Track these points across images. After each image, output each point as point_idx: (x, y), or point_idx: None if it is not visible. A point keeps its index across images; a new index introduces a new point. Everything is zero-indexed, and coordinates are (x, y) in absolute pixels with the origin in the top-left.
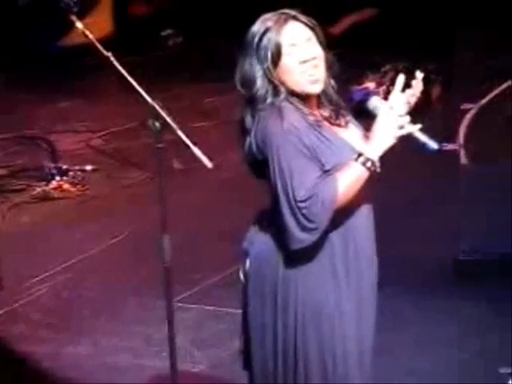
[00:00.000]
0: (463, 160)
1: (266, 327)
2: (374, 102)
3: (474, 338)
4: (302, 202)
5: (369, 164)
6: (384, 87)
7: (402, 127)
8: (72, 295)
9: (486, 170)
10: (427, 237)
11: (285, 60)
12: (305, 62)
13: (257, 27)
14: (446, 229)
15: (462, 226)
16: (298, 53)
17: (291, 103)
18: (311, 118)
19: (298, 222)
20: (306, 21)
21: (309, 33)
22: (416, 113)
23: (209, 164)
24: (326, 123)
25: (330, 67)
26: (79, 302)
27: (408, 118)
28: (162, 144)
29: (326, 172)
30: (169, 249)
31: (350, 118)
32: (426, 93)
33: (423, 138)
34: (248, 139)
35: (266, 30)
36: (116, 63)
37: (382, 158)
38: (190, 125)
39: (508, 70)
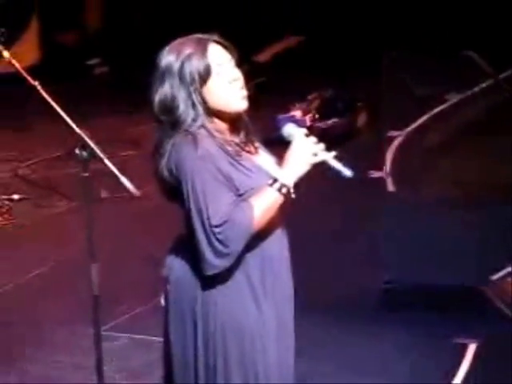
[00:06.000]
0: (390, 188)
1: (187, 352)
2: (289, 129)
3: (396, 366)
4: (216, 227)
5: (284, 190)
6: (310, 115)
7: (315, 154)
8: (0, 324)
9: (410, 198)
10: (352, 264)
11: (213, 80)
12: (235, 80)
13: (174, 53)
14: (370, 256)
15: (385, 255)
16: (227, 72)
17: (207, 130)
18: (227, 146)
19: (213, 248)
20: (223, 43)
21: (228, 55)
22: (342, 140)
23: (136, 192)
24: (239, 150)
25: None
26: (7, 331)
27: (322, 145)
28: (88, 173)
29: (240, 196)
30: (97, 277)
31: (259, 144)
32: (352, 120)
33: (337, 165)
34: (161, 164)
35: (190, 54)
36: (43, 92)
37: (307, 186)
38: (116, 154)
39: (434, 98)
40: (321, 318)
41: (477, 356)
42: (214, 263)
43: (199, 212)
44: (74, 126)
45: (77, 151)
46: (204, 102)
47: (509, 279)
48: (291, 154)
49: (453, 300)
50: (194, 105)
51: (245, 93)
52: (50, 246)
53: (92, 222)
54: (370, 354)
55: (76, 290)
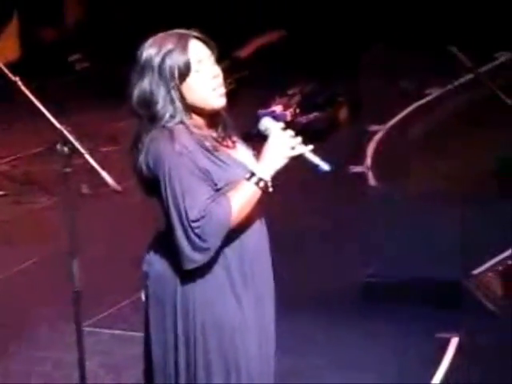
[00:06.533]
0: (371, 182)
1: (168, 346)
2: (266, 123)
3: (382, 359)
4: (194, 221)
5: (261, 184)
6: (291, 110)
7: (293, 148)
8: None
9: (391, 193)
10: (334, 259)
11: (193, 77)
12: (214, 77)
13: (155, 47)
14: (352, 250)
15: (368, 249)
16: (207, 69)
17: (184, 126)
18: (205, 141)
19: (191, 242)
20: (204, 39)
21: (208, 51)
22: (323, 134)
23: (117, 187)
24: (217, 145)
25: None
26: None
27: (299, 139)
28: (70, 169)
29: (218, 190)
30: (78, 273)
31: (236, 138)
32: (333, 114)
33: (315, 159)
34: (139, 158)
35: (170, 50)
36: (23, 88)
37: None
38: (97, 149)
39: (415, 92)
40: (308, 315)
41: (459, 350)
42: (193, 258)
43: (177, 207)
44: (54, 121)
45: (58, 147)
46: (183, 99)
47: (490, 273)
48: (268, 147)
49: (435, 294)
50: (172, 101)
51: (223, 90)
52: (31, 241)
53: (73, 218)
54: (358, 348)
55: (58, 285)
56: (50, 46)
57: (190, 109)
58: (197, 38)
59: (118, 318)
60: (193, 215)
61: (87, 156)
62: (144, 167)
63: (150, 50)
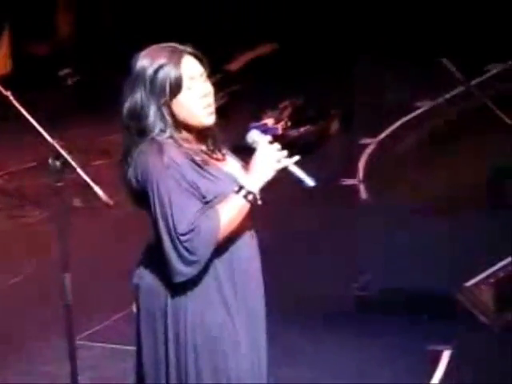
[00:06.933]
0: (362, 195)
1: (159, 359)
2: (253, 136)
3: (374, 371)
4: (183, 235)
5: (250, 197)
6: (282, 123)
7: (279, 161)
8: None
9: (383, 205)
10: (325, 271)
11: (184, 94)
12: (205, 96)
13: (147, 61)
14: (344, 263)
15: (358, 261)
16: (198, 87)
17: (174, 140)
18: (194, 155)
19: (180, 256)
20: (197, 55)
21: (201, 68)
22: (315, 147)
23: (109, 201)
24: (206, 158)
25: None
26: None
27: (285, 152)
28: (62, 183)
29: (207, 203)
30: (70, 287)
31: (226, 151)
32: (324, 127)
33: (300, 173)
34: (129, 171)
35: (163, 65)
36: (15, 103)
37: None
38: (89, 163)
39: (406, 105)
40: (299, 326)
41: (451, 362)
42: (182, 271)
43: (165, 220)
44: (46, 135)
45: (50, 161)
46: (173, 115)
47: (483, 285)
48: (256, 160)
49: (427, 306)
50: (163, 116)
51: (213, 108)
52: (23, 256)
53: (65, 232)
54: (350, 360)
55: (51, 300)
56: (41, 59)
57: (180, 125)
58: (190, 53)
59: (111, 332)
60: (181, 228)
61: (79, 170)
62: (133, 180)
63: (142, 62)
